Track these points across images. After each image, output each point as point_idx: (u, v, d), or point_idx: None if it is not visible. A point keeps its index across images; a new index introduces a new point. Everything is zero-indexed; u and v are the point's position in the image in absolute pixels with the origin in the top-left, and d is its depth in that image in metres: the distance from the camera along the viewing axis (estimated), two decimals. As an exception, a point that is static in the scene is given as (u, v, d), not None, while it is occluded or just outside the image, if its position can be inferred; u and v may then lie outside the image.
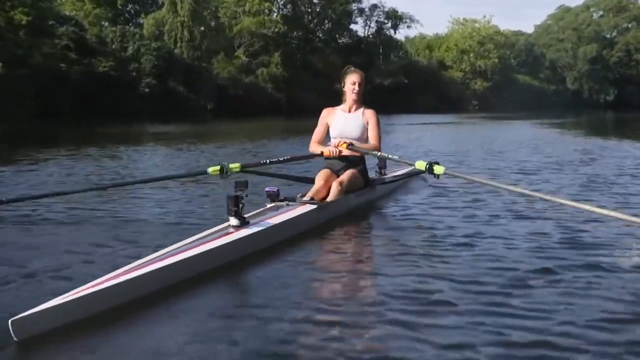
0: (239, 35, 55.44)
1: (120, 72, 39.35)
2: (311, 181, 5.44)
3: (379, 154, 5.22)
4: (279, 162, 5.43)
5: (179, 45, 48.14)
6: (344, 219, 4.86)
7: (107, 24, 49.60)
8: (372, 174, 6.14)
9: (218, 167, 4.94)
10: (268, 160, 5.36)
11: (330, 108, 5.58)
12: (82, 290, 2.85)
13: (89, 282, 2.95)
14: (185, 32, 48.30)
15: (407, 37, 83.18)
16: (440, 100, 67.27)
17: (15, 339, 2.55)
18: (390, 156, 5.15)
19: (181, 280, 3.23)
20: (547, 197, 4.18)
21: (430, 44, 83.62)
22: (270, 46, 55.88)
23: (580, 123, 31.30)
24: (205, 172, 4.99)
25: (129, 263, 3.24)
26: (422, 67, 74.03)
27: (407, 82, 64.82)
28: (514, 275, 3.36)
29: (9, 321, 2.57)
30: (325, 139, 5.55)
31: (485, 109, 67.41)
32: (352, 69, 5.56)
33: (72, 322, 2.69)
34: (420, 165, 4.71)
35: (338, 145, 5.28)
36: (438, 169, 4.61)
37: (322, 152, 5.33)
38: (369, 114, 5.46)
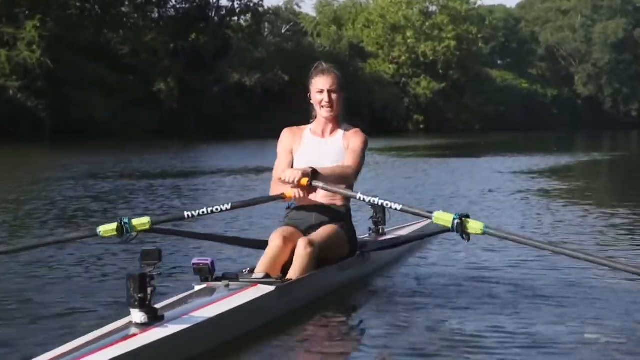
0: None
1: None
2: (263, 245, 6.40)
3: (364, 198, 6.10)
4: (211, 213, 6.56)
5: None
6: (318, 305, 5.81)
7: None
8: (363, 232, 7.50)
9: (114, 226, 5.99)
10: (191, 214, 6.24)
11: (294, 128, 6.71)
12: None
13: None
14: None
15: (295, 3, 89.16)
16: (354, 114, 68.06)
17: None
18: (384, 203, 5.99)
19: None
20: None
21: (339, 15, 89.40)
22: (20, 10, 55.43)
23: (617, 165, 29.93)
24: (96, 234, 6.14)
25: None
26: (322, 55, 71.17)
27: (291, 80, 63.38)
28: None
29: None
30: None
31: (435, 130, 72.15)
32: (321, 67, 6.53)
33: None
34: (443, 219, 5.55)
35: (296, 181, 6.07)
36: (473, 226, 5.41)
37: (282, 195, 6.19)
38: (352, 134, 6.56)
